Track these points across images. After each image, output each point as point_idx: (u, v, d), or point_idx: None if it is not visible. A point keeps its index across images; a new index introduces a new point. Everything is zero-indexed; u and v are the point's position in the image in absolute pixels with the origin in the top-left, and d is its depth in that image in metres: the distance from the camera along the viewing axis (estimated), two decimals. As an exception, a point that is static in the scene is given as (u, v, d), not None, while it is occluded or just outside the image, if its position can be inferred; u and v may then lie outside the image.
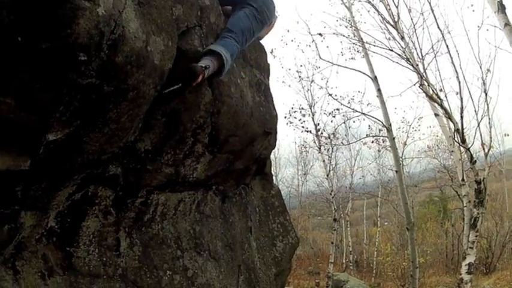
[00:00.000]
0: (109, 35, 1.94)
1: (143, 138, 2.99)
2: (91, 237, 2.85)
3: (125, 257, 3.11)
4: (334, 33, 9.71)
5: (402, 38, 8.51)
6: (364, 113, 10.63)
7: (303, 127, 13.87)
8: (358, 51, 9.87)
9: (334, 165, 17.26)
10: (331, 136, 13.78)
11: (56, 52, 1.72)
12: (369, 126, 13.89)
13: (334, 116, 12.94)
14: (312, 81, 13.54)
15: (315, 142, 14.34)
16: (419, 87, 7.98)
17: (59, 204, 2.55)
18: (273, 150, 5.25)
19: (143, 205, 3.30)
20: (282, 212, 5.30)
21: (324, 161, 14.47)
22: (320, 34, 10.42)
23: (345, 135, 16.16)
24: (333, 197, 14.12)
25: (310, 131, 13.75)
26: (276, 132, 4.76)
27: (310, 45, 12.70)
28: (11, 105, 1.78)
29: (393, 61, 8.24)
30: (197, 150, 3.54)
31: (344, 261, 22.13)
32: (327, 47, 16.37)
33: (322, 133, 13.62)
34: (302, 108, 13.92)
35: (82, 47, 1.79)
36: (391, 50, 8.12)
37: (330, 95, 12.08)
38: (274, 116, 4.59)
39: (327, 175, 14.40)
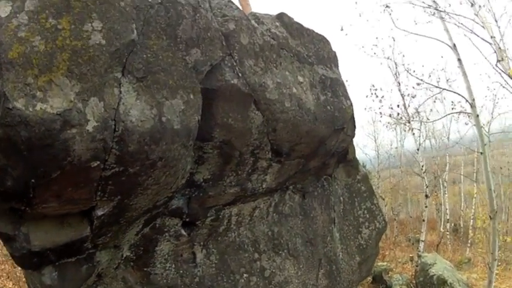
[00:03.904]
0: (112, 134, 2.22)
1: (200, 171, 3.37)
2: (166, 257, 3.47)
3: (201, 266, 3.70)
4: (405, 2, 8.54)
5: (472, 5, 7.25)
6: (444, 88, 9.44)
7: (381, 113, 13.75)
8: (433, 14, 8.56)
9: (424, 139, 17.31)
10: (414, 114, 13.11)
11: (70, 171, 2.22)
12: (452, 102, 12.64)
13: (413, 97, 12.49)
14: (388, 57, 12.52)
15: (401, 117, 13.19)
16: (496, 65, 6.69)
17: (129, 240, 3.20)
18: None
19: (215, 221, 3.78)
20: (368, 196, 5.31)
21: (413, 134, 13.28)
22: (387, 6, 9.25)
23: (430, 110, 15.70)
24: (424, 172, 12.79)
25: (392, 108, 13.05)
26: (353, 122, 4.68)
27: (382, 12, 11.84)
28: (55, 206, 2.39)
29: (467, 29, 7.19)
30: (261, 165, 3.81)
31: (442, 229, 20.24)
32: (397, 19, 15.11)
33: (408, 106, 12.73)
34: (380, 89, 13.29)
35: (89, 160, 2.24)
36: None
37: (407, 71, 11.12)
38: (346, 108, 4.49)
39: (417, 149, 13.19)
